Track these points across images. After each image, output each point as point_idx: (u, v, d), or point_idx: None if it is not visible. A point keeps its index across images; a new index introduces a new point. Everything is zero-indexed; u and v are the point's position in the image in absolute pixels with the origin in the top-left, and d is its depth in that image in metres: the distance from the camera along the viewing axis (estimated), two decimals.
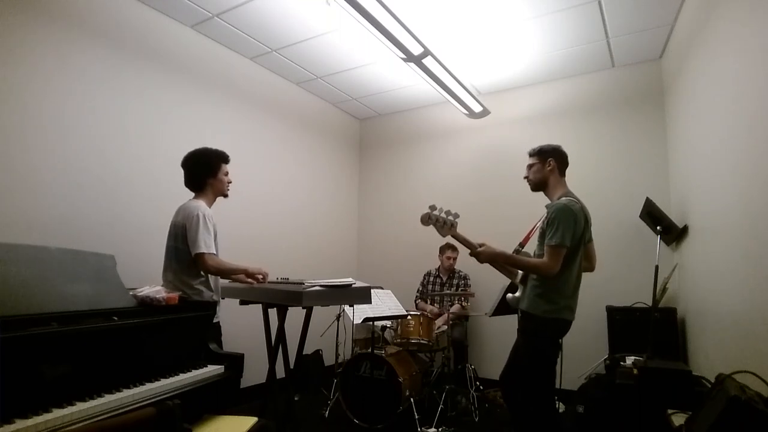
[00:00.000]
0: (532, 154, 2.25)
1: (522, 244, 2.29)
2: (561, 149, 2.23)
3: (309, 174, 4.45)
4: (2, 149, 2.28)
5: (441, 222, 2.09)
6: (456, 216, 2.15)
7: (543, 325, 2.03)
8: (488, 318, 3.15)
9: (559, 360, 2.14)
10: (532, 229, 2.30)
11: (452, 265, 3.95)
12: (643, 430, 2.12)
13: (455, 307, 3.72)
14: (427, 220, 2.08)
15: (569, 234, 1.99)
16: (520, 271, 2.23)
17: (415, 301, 4.05)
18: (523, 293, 2.14)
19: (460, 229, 2.17)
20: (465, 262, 3.84)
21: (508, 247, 2.39)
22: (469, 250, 2.14)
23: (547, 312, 2.01)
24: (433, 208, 2.09)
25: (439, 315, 3.70)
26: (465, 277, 3.95)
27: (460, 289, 3.86)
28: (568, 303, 2.05)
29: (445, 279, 3.98)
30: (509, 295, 2.27)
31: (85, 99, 2.64)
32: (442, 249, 3.95)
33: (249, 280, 2.22)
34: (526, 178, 2.27)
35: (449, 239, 2.21)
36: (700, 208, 2.69)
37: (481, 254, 2.09)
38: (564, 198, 2.09)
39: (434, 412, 3.03)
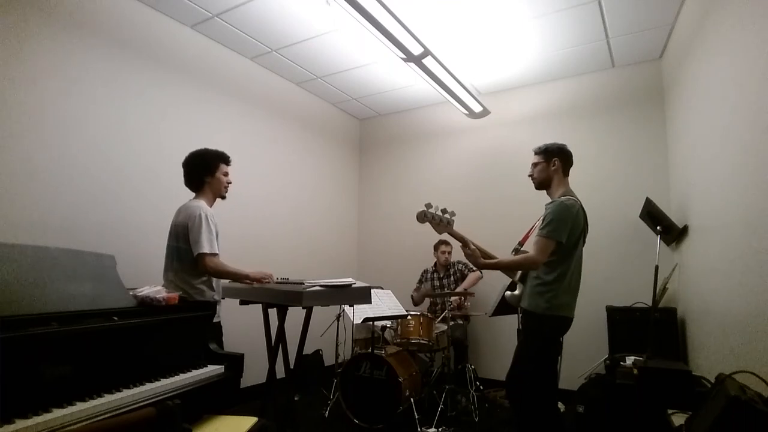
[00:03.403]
0: (537, 152, 2.26)
1: (521, 243, 2.30)
2: (566, 149, 2.24)
3: (309, 174, 4.45)
4: (2, 149, 2.28)
5: (437, 220, 2.09)
6: (452, 214, 2.15)
7: (543, 322, 2.04)
8: (488, 318, 3.15)
9: (559, 359, 2.14)
10: (531, 228, 2.30)
11: (448, 260, 3.98)
12: (643, 430, 2.12)
13: (457, 294, 3.74)
14: (422, 217, 2.09)
15: (564, 230, 2.00)
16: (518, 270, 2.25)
17: (412, 295, 4.05)
18: (523, 291, 2.15)
19: (460, 229, 2.17)
20: (460, 256, 3.83)
21: (507, 247, 2.40)
22: (462, 246, 2.16)
23: (548, 310, 2.02)
24: (429, 206, 2.09)
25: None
26: (461, 262, 3.95)
27: (462, 274, 3.90)
28: (568, 300, 2.06)
29: (442, 274, 4.00)
30: (508, 293, 2.27)
31: (85, 99, 2.64)
32: (436, 246, 3.99)
33: (250, 282, 2.22)
34: (530, 176, 2.28)
35: (444, 235, 2.22)
36: (700, 208, 2.69)
37: (479, 265, 2.15)
38: (563, 197, 2.11)
39: (434, 412, 3.03)
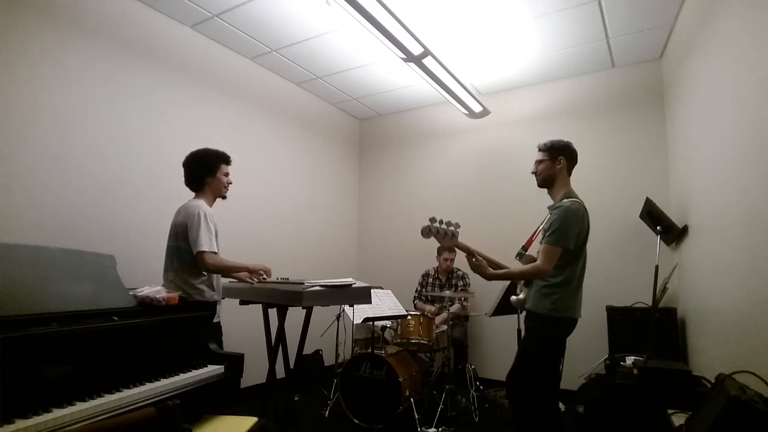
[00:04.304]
0: (542, 149, 2.21)
1: (525, 248, 2.29)
2: (572, 147, 2.20)
3: (309, 174, 4.45)
4: (2, 149, 2.28)
5: (442, 233, 2.07)
6: (457, 226, 2.12)
7: (548, 324, 2.03)
8: (488, 318, 3.15)
9: (562, 360, 2.13)
10: (535, 232, 2.29)
11: (450, 266, 3.95)
12: (643, 430, 2.12)
13: (455, 307, 3.72)
14: (427, 232, 2.06)
15: (571, 236, 1.99)
16: None
17: (414, 301, 4.05)
18: (528, 293, 2.14)
19: (462, 229, 2.16)
20: (463, 261, 3.84)
21: (507, 246, 2.40)
22: (468, 257, 2.13)
23: (552, 311, 2.01)
24: (433, 219, 2.06)
25: (439, 313, 3.70)
26: (463, 277, 3.95)
27: (459, 288, 3.86)
28: (572, 301, 2.05)
29: (444, 280, 3.98)
30: (513, 297, 2.26)
31: (85, 98, 2.64)
32: (440, 250, 3.95)
33: (249, 280, 2.23)
34: (534, 173, 2.23)
35: None
36: (700, 208, 2.69)
37: (487, 276, 2.10)
38: (567, 200, 2.09)
39: (434, 412, 3.03)
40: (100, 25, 2.74)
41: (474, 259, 2.09)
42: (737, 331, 2.06)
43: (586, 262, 2.14)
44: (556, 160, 2.16)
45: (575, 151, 2.21)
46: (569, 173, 2.19)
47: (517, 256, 2.25)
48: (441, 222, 2.08)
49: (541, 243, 2.10)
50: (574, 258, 2.04)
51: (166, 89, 3.12)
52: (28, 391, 1.21)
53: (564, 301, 2.02)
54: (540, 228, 2.21)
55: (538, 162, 2.21)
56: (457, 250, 2.23)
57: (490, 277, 2.10)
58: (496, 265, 2.20)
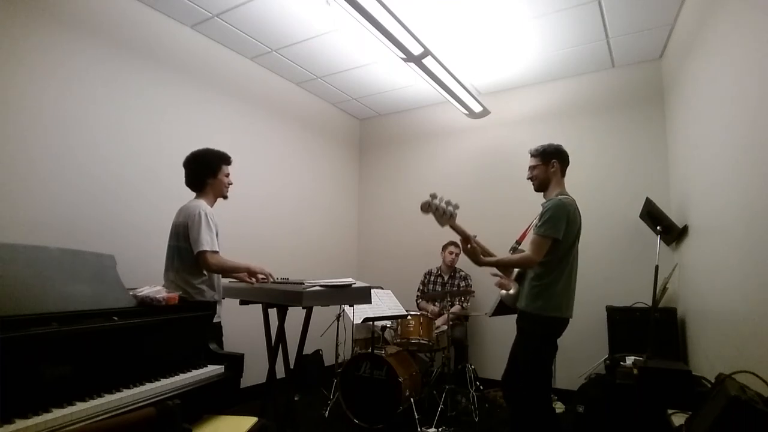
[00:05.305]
0: (534, 155, 2.25)
1: (518, 242, 2.32)
2: (563, 149, 2.25)
3: (309, 174, 4.45)
4: (2, 149, 2.28)
5: (441, 211, 2.08)
6: (456, 206, 2.13)
7: (539, 323, 2.05)
8: (488, 318, 3.15)
9: (555, 359, 2.14)
10: (528, 227, 2.31)
11: (454, 261, 3.95)
12: (643, 430, 2.12)
13: (455, 308, 3.72)
14: (427, 207, 2.07)
15: (560, 227, 2.01)
16: (515, 270, 2.25)
17: (417, 300, 4.05)
18: (520, 292, 2.16)
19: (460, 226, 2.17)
20: (466, 261, 3.84)
21: (507, 246, 2.40)
22: (462, 241, 2.16)
23: (543, 310, 2.03)
24: (434, 196, 2.06)
25: (440, 315, 3.70)
26: (466, 278, 3.95)
27: (461, 288, 3.86)
28: (565, 301, 2.06)
29: (446, 278, 3.98)
30: (503, 292, 2.27)
31: (85, 99, 2.64)
32: (445, 246, 3.96)
33: (249, 280, 2.23)
34: (530, 179, 2.27)
35: (450, 235, 2.22)
36: (700, 208, 2.69)
37: (478, 263, 2.13)
38: (560, 196, 2.12)
39: (434, 412, 3.03)
40: (100, 25, 2.74)
41: (468, 246, 2.11)
42: (737, 331, 2.06)
43: (584, 262, 2.15)
44: (549, 164, 2.21)
45: (566, 153, 2.25)
46: (563, 174, 2.24)
47: (510, 251, 2.29)
48: (442, 200, 2.07)
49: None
50: (565, 256, 2.06)
51: (166, 89, 3.12)
52: (28, 391, 1.21)
53: (554, 300, 2.03)
54: (533, 223, 2.24)
55: (532, 168, 2.26)
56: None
57: (481, 264, 2.13)
58: (489, 255, 2.23)
